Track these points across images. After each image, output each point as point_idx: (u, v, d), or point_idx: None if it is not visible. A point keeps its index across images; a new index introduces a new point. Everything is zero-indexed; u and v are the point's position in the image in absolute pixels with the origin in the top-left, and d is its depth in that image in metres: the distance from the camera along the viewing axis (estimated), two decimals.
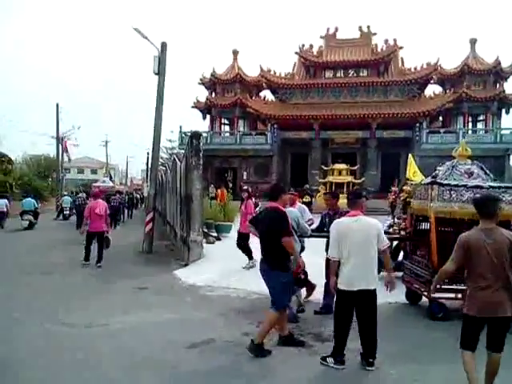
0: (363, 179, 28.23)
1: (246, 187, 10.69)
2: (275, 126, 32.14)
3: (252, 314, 5.70)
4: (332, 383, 3.94)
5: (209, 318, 5.68)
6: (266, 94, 36.60)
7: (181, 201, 11.15)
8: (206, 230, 12.62)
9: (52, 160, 39.21)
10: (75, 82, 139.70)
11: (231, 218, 14.20)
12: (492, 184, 5.83)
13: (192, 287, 7.51)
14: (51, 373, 4.00)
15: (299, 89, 33.17)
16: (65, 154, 34.33)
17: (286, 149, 33.39)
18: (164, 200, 17.39)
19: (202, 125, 42.14)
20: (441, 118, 33.20)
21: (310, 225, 6.20)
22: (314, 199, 22.11)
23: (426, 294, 5.88)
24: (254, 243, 6.80)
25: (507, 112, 31.70)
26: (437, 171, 6.34)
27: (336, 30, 35.03)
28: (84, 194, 19.17)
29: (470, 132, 31.16)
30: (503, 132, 30.21)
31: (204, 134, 29.40)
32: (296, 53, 33.96)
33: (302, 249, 6.12)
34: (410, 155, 9.92)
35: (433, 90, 33.47)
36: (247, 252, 9.02)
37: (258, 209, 10.02)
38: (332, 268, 4.24)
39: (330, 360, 4.11)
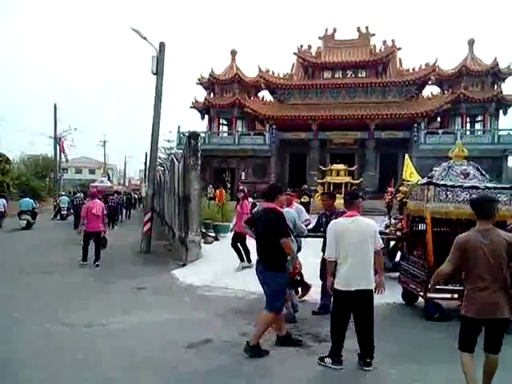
0: (361, 180, 28.21)
1: (242, 187, 10.72)
2: (273, 126, 32.08)
3: (250, 314, 5.73)
4: (331, 383, 3.98)
5: (207, 318, 5.72)
6: (265, 94, 36.56)
7: (179, 201, 11.16)
8: (204, 231, 12.67)
9: (50, 160, 39.18)
10: (75, 81, 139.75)
11: (229, 218, 14.23)
12: (488, 185, 5.87)
13: (190, 287, 7.54)
14: (51, 373, 4.02)
15: (297, 89, 33.14)
16: (62, 154, 34.36)
17: (284, 149, 33.34)
18: (162, 200, 17.40)
19: (200, 125, 42.43)
20: (439, 119, 33.18)
21: (306, 225, 6.23)
22: (312, 199, 22.17)
23: (422, 294, 5.92)
24: (251, 244, 6.83)
25: (505, 113, 31.68)
26: (433, 172, 6.40)
27: (334, 30, 35.03)
28: (82, 194, 19.20)
29: (467, 133, 31.14)
30: (501, 133, 30.20)
31: (202, 134, 29.50)
32: (294, 53, 33.94)
33: (299, 249, 6.14)
34: (406, 156, 9.97)
35: (431, 90, 33.50)
36: (244, 252, 9.04)
37: (255, 209, 10.04)
38: (329, 268, 4.27)
39: (328, 360, 4.14)
